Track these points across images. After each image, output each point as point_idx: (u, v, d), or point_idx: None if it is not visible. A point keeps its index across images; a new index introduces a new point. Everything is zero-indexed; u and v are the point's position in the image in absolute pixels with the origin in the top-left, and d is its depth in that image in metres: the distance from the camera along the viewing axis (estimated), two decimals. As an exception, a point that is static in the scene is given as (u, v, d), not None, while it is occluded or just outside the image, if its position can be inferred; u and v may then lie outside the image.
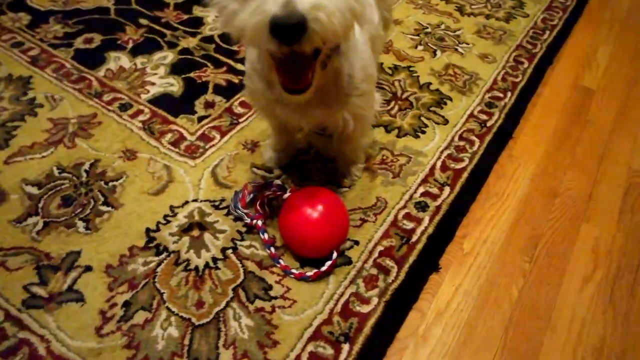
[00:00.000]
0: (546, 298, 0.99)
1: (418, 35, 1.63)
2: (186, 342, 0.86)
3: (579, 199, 1.19)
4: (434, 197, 1.13)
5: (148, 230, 1.02)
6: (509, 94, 1.43)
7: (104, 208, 1.05)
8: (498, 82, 1.47)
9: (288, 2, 0.58)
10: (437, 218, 1.09)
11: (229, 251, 1.00)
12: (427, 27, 1.67)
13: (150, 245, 0.99)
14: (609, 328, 0.95)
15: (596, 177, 1.24)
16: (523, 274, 1.03)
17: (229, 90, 1.35)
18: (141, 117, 1.25)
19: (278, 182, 1.04)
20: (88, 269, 0.94)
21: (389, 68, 1.49)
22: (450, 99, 1.40)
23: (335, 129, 0.96)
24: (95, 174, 1.12)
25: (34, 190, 1.07)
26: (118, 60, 1.43)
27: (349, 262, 0.99)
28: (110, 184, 1.10)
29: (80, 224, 1.02)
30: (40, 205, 1.04)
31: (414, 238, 1.05)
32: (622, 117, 1.41)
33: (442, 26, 1.69)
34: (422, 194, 1.14)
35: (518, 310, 0.96)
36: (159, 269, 0.95)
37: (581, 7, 1.84)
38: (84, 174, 1.11)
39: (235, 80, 1.38)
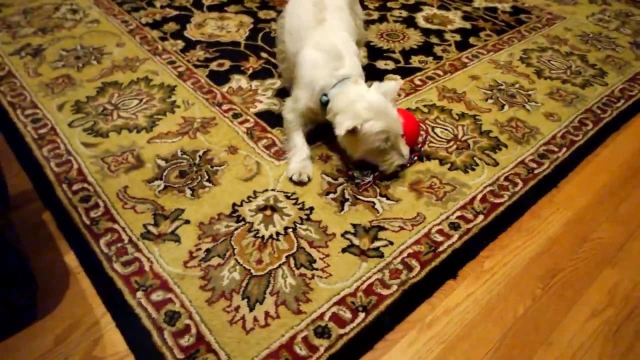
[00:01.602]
0: (550, 320, 1.11)
1: (491, 90, 1.83)
2: (244, 284, 1.13)
3: (609, 247, 1.28)
4: (468, 221, 1.31)
5: (234, 204, 1.34)
6: (564, 149, 1.56)
7: (207, 184, 1.40)
8: (557, 138, 1.61)
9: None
10: (466, 238, 1.27)
11: (290, 230, 1.27)
12: (502, 85, 1.86)
13: (233, 215, 1.31)
14: (605, 358, 1.04)
15: (634, 233, 1.32)
16: (533, 297, 1.15)
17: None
18: (247, 125, 1.62)
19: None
20: (187, 222, 1.28)
21: (457, 114, 1.70)
22: (506, 146, 1.57)
23: None
24: (206, 159, 1.48)
25: (162, 163, 1.46)
26: (239, 81, 1.83)
27: (381, 255, 1.21)
28: (214, 168, 1.45)
29: (188, 192, 1.37)
30: (164, 173, 1.42)
31: (441, 249, 1.24)
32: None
33: (517, 85, 1.87)
34: (458, 217, 1.32)
35: (520, 324, 1.10)
36: (235, 232, 1.26)
37: (665, 83, 1.89)
38: (198, 158, 1.48)
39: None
